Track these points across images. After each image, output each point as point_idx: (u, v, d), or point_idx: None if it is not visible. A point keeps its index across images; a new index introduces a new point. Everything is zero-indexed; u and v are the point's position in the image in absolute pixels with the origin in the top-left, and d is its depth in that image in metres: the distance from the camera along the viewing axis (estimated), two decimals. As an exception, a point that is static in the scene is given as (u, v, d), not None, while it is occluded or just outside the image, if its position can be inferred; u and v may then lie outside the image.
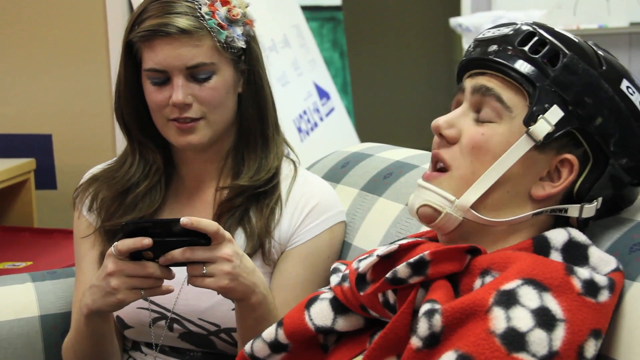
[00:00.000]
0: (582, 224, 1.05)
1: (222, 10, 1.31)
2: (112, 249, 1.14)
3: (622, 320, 0.97)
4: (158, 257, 1.13)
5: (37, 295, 1.53)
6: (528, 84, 1.01)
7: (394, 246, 1.04)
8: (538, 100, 1.00)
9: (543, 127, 1.00)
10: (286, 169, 1.42)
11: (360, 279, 1.05)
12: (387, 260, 1.03)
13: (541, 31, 1.03)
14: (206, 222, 1.12)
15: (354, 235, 1.43)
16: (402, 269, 0.99)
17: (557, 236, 1.01)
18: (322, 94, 3.56)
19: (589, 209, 1.03)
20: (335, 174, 1.58)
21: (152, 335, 1.38)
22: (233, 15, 1.31)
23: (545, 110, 1.00)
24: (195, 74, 1.30)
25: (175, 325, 1.37)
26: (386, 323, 1.05)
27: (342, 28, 4.35)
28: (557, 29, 1.05)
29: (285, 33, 3.33)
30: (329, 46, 4.19)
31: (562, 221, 1.05)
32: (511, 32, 1.04)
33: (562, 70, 1.00)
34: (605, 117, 1.00)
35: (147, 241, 1.11)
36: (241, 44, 1.33)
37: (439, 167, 1.06)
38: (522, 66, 1.01)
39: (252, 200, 1.36)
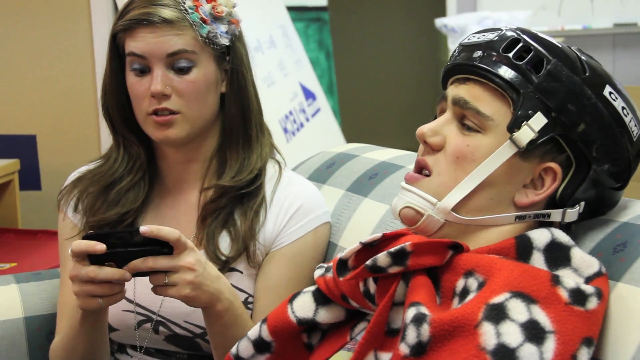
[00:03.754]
0: (565, 228, 1.05)
1: (206, 7, 1.32)
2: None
3: (607, 321, 0.97)
4: (121, 268, 1.12)
5: (22, 297, 1.52)
6: (512, 90, 1.01)
7: (378, 235, 1.04)
8: (522, 107, 1.00)
9: (526, 133, 1.00)
10: (271, 170, 1.42)
11: (342, 265, 1.05)
12: (371, 249, 1.04)
13: (526, 37, 1.03)
14: (167, 230, 1.12)
15: (339, 236, 1.43)
16: (382, 258, 0.99)
17: (540, 236, 1.01)
18: (308, 94, 3.56)
19: (572, 214, 1.04)
20: (321, 174, 1.58)
21: (137, 338, 1.37)
22: (217, 12, 1.32)
23: (529, 117, 1.00)
24: (175, 62, 1.30)
25: (161, 328, 1.36)
26: (366, 314, 1.05)
27: (328, 28, 4.35)
28: (541, 34, 1.05)
29: (271, 33, 3.33)
30: (314, 46, 4.19)
31: (545, 225, 1.06)
32: (496, 38, 1.04)
33: (546, 77, 1.01)
34: (588, 124, 1.01)
35: (99, 247, 1.10)
36: (224, 41, 1.33)
37: (424, 173, 1.06)
38: (506, 72, 1.01)
39: (236, 202, 1.36)
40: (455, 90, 1.06)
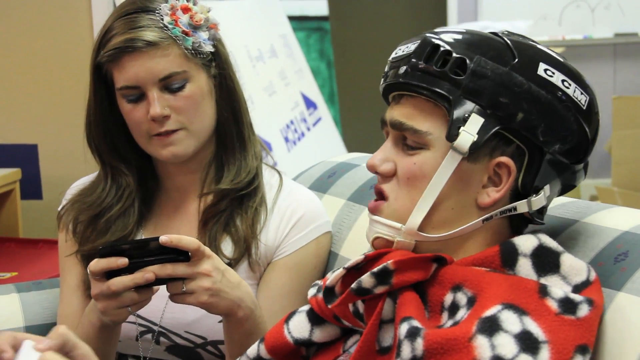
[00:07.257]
0: (536, 215, 1.04)
1: (184, 18, 1.31)
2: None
3: (607, 330, 0.97)
4: None
5: (22, 306, 1.52)
6: (442, 99, 1.00)
7: (360, 257, 1.04)
8: (455, 113, 0.99)
9: (466, 138, 0.99)
10: (272, 179, 1.42)
11: (329, 292, 1.05)
12: (357, 272, 1.03)
13: (445, 40, 1.01)
14: (187, 240, 1.11)
15: (340, 245, 1.43)
16: (366, 279, 0.99)
17: (526, 242, 1.00)
18: (309, 103, 3.57)
19: (538, 201, 1.02)
20: (322, 184, 1.58)
21: (140, 349, 1.37)
22: (196, 21, 1.32)
23: (464, 121, 0.99)
24: (169, 84, 1.30)
25: (162, 339, 1.36)
26: (360, 331, 1.05)
27: (329, 38, 4.36)
28: (462, 28, 1.04)
29: (272, 43, 3.34)
30: (316, 56, 4.20)
31: (515, 219, 1.05)
32: (417, 50, 1.02)
33: (471, 76, 0.99)
34: (525, 111, 0.99)
35: (121, 261, 1.09)
36: (209, 48, 1.33)
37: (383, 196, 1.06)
38: (433, 83, 1.00)
39: (236, 204, 1.36)
40: (390, 113, 1.05)
